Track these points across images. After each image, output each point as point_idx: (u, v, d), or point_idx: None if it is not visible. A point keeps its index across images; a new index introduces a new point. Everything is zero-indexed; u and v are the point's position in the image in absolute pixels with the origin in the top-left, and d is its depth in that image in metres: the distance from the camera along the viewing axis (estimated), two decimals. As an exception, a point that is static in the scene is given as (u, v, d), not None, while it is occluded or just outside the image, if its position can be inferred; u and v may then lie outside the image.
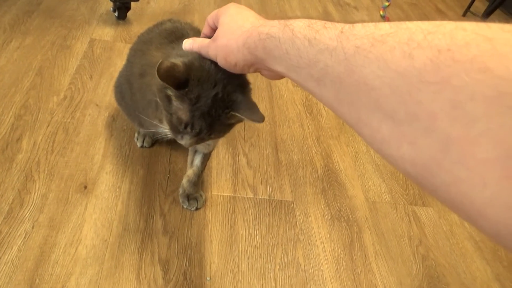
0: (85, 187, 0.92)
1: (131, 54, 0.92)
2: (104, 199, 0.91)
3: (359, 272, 0.89)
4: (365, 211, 1.03)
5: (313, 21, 0.37)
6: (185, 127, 0.61)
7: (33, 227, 0.82)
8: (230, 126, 0.66)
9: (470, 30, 0.24)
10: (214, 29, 0.56)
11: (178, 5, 1.72)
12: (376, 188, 1.10)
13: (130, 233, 0.86)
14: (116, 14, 1.49)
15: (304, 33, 0.36)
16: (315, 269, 0.88)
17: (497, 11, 2.15)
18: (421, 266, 0.93)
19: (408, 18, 2.09)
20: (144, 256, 0.83)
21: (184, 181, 0.92)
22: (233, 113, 0.59)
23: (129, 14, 1.51)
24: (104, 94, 1.16)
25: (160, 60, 0.55)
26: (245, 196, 1.00)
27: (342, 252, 0.92)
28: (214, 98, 0.58)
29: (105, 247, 0.82)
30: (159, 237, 0.87)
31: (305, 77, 0.37)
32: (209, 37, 0.57)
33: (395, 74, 0.27)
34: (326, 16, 1.92)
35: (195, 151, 0.92)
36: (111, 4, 1.49)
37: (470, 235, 1.03)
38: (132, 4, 1.50)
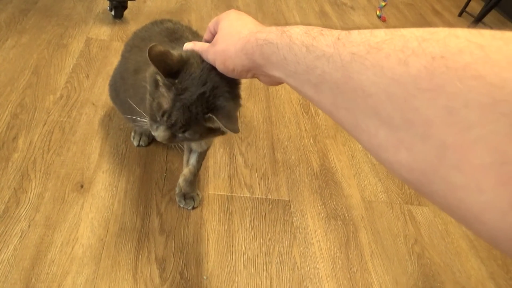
0: (82, 186, 0.92)
1: (126, 50, 0.92)
2: (100, 198, 0.91)
3: (355, 271, 0.90)
4: (361, 210, 1.03)
5: (310, 27, 0.37)
6: (163, 115, 0.60)
7: (29, 226, 0.82)
8: (206, 132, 0.64)
9: (463, 37, 0.24)
10: (214, 35, 0.56)
11: (175, 4, 1.72)
12: (372, 187, 1.10)
13: (126, 232, 0.86)
14: (113, 13, 1.48)
15: (302, 39, 0.36)
16: (311, 268, 0.89)
17: (493, 12, 2.16)
18: (416, 265, 0.94)
19: (404, 18, 2.10)
20: (140, 255, 0.83)
21: (181, 180, 0.92)
22: (211, 115, 0.59)
23: (125, 13, 1.51)
24: (100, 93, 1.16)
25: (154, 43, 0.56)
26: (241, 195, 1.00)
27: (338, 251, 0.93)
28: (200, 95, 0.58)
29: (101, 246, 0.82)
30: (156, 236, 0.87)
31: (303, 82, 0.37)
32: (210, 42, 0.58)
33: (390, 81, 0.27)
34: (323, 16, 1.92)
35: (191, 150, 0.92)
36: (108, 3, 1.48)
37: (465, 234, 1.03)
38: (129, 3, 1.50)
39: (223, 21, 0.53)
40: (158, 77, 0.60)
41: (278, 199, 1.01)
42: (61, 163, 0.95)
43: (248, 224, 0.94)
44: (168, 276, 0.81)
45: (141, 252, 0.83)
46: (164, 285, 0.79)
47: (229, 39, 0.49)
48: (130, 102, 0.82)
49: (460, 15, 2.26)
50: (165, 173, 1.01)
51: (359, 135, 0.33)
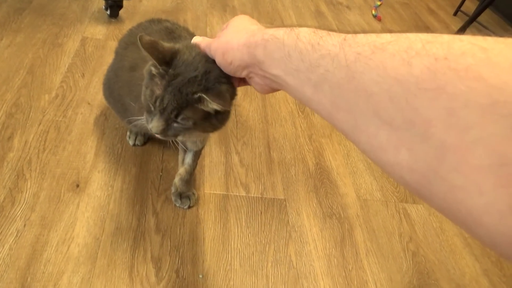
0: (77, 186, 0.92)
1: (121, 47, 0.92)
2: (96, 198, 0.91)
3: (350, 269, 0.90)
4: (357, 209, 1.04)
5: (318, 29, 0.38)
6: (155, 101, 0.60)
7: (24, 226, 0.82)
8: (201, 118, 0.63)
9: (467, 41, 0.25)
10: None
11: (170, 4, 1.72)
12: (367, 186, 1.11)
13: (122, 231, 0.86)
14: (108, 12, 1.48)
15: (309, 38, 0.37)
16: (307, 266, 0.89)
17: (487, 11, 2.17)
18: (411, 263, 0.95)
19: (400, 17, 2.11)
20: (136, 254, 0.83)
21: (176, 180, 0.92)
22: (201, 94, 0.58)
23: (121, 12, 1.51)
24: (96, 93, 1.16)
25: (142, 34, 0.57)
26: (237, 194, 1.00)
27: (333, 249, 0.93)
28: (192, 78, 0.58)
29: (97, 245, 0.82)
30: (152, 235, 0.87)
31: (302, 81, 0.37)
32: None
33: (393, 80, 0.27)
34: (319, 15, 1.93)
35: (186, 149, 0.93)
36: (103, 2, 1.48)
37: (460, 232, 1.04)
38: (124, 2, 1.49)
39: (234, 20, 0.53)
40: (153, 68, 0.60)
41: (273, 198, 1.02)
42: (56, 163, 0.95)
43: (244, 223, 0.94)
44: (164, 275, 0.81)
45: (137, 251, 0.83)
46: (160, 284, 0.79)
47: (235, 32, 0.49)
48: (128, 101, 0.82)
49: (455, 14, 2.27)
50: (161, 172, 1.01)
51: (358, 137, 0.32)
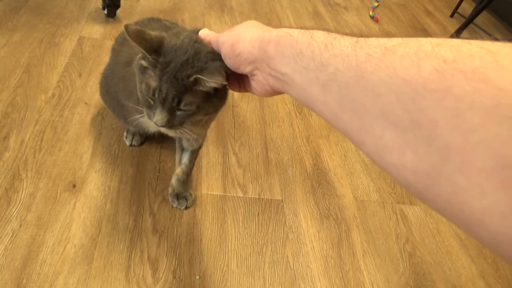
0: (74, 186, 0.91)
1: (118, 43, 0.91)
2: (93, 198, 0.90)
3: (347, 270, 0.91)
4: (354, 210, 1.04)
5: (331, 32, 0.38)
6: (153, 94, 0.59)
7: (20, 226, 0.81)
8: (203, 101, 0.62)
9: (475, 44, 0.25)
10: None
11: (168, 3, 1.71)
12: (364, 187, 1.11)
13: (119, 232, 0.86)
14: (106, 12, 1.47)
15: (322, 38, 0.37)
16: (304, 267, 0.89)
17: (484, 13, 2.18)
18: (407, 264, 0.95)
19: (397, 18, 2.11)
20: (133, 255, 0.82)
21: (173, 180, 0.92)
22: (196, 76, 0.57)
23: (118, 12, 1.51)
24: (93, 93, 1.15)
25: (127, 23, 0.57)
26: (234, 195, 1.00)
27: (330, 250, 0.94)
28: (184, 62, 0.58)
29: (93, 246, 0.82)
30: (149, 236, 0.87)
31: (310, 80, 0.37)
32: None
33: (402, 81, 0.28)
34: (316, 16, 1.93)
35: (183, 149, 0.92)
36: (100, 1, 1.47)
37: (456, 233, 1.05)
38: (122, 2, 1.49)
39: (246, 22, 0.53)
40: (143, 61, 0.60)
41: (271, 199, 1.02)
42: (53, 163, 0.94)
43: (241, 224, 0.94)
44: (161, 276, 0.81)
45: (133, 252, 0.83)
46: (156, 285, 0.79)
47: (249, 27, 0.49)
48: (123, 97, 0.81)
49: (452, 16, 2.28)
50: (158, 172, 1.00)
51: (362, 138, 0.33)
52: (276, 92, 0.49)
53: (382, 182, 1.13)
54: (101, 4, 1.48)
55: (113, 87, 0.90)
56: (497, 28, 2.32)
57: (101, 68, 1.23)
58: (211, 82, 0.57)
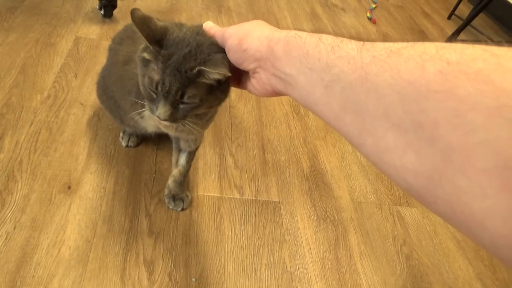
0: (69, 187, 0.90)
1: (115, 42, 0.91)
2: (88, 200, 0.89)
3: (344, 272, 0.90)
4: (351, 212, 1.04)
5: (339, 36, 0.39)
6: (156, 87, 0.58)
7: (14, 228, 0.80)
8: (206, 93, 0.61)
9: (479, 48, 0.25)
10: None
11: (165, 4, 1.71)
12: (361, 188, 1.11)
13: (114, 234, 0.85)
14: (102, 12, 1.47)
15: (330, 41, 0.38)
16: (300, 269, 0.89)
17: (481, 15, 2.19)
18: (405, 266, 0.95)
19: (394, 20, 2.11)
20: (128, 257, 0.82)
21: (170, 181, 0.92)
22: (199, 68, 0.56)
23: (115, 12, 1.50)
24: (89, 93, 1.15)
25: (135, 7, 0.56)
26: (231, 196, 1.00)
27: (327, 252, 0.93)
28: (186, 54, 0.57)
29: (89, 248, 0.81)
30: (144, 238, 0.86)
31: (314, 81, 0.38)
32: None
33: (406, 83, 0.28)
34: (314, 17, 1.93)
35: (180, 150, 0.92)
36: (97, 1, 1.47)
37: (453, 235, 1.04)
38: (119, 2, 1.48)
39: (254, 20, 0.53)
40: (145, 53, 0.59)
41: (268, 200, 1.01)
42: (48, 164, 0.94)
43: (237, 226, 0.94)
44: (157, 278, 0.80)
45: (129, 254, 0.82)
46: (152, 287, 0.78)
47: (258, 25, 0.50)
48: (119, 97, 0.81)
49: (449, 17, 2.28)
50: (154, 174, 1.00)
51: (364, 139, 0.33)
52: (275, 93, 0.48)
53: (379, 184, 1.13)
54: (97, 4, 1.47)
55: (110, 87, 0.89)
56: (494, 30, 2.33)
57: (98, 68, 1.22)
58: (215, 73, 0.56)
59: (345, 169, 1.16)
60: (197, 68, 0.56)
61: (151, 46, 0.57)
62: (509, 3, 2.24)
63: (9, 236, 0.79)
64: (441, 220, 1.07)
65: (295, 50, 0.41)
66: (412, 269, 0.94)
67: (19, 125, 1.00)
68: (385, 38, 1.91)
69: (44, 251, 0.78)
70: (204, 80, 0.58)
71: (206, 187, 1.00)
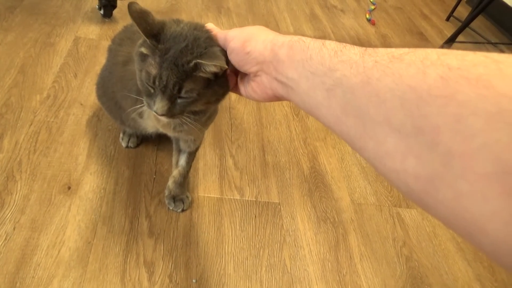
0: (69, 188, 0.90)
1: (115, 43, 0.90)
2: (88, 200, 0.89)
3: (345, 274, 0.90)
4: (351, 213, 1.04)
5: (343, 42, 0.39)
6: (154, 82, 0.58)
7: (14, 229, 0.80)
8: (204, 88, 0.60)
9: (480, 54, 0.26)
10: None
11: (165, 4, 1.71)
12: (361, 190, 1.11)
13: (114, 235, 0.85)
14: (102, 12, 1.46)
15: (333, 46, 0.38)
16: (301, 270, 0.88)
17: (480, 17, 2.20)
18: (404, 267, 0.95)
19: (393, 21, 2.12)
20: (129, 258, 0.82)
21: (170, 182, 0.91)
22: (196, 60, 0.56)
23: (115, 12, 1.50)
24: (89, 93, 1.14)
25: (133, 1, 0.57)
26: (231, 197, 1.00)
27: (328, 254, 0.93)
28: (183, 49, 0.57)
29: (89, 249, 0.81)
30: (145, 239, 0.86)
31: (316, 85, 0.38)
32: None
33: (407, 88, 0.28)
34: (313, 19, 1.93)
35: (180, 151, 0.92)
36: (97, 1, 1.46)
37: (452, 237, 1.05)
38: (118, 2, 1.48)
39: (256, 25, 0.53)
40: (143, 48, 0.59)
41: (268, 202, 1.01)
42: (47, 164, 0.93)
43: (238, 227, 0.94)
44: (157, 279, 0.80)
45: (129, 255, 0.82)
46: (152, 289, 0.78)
47: (261, 30, 0.50)
48: (120, 97, 0.80)
49: (447, 19, 2.29)
50: (154, 175, 0.99)
51: (364, 143, 0.33)
52: (276, 98, 0.48)
53: (379, 185, 1.13)
54: (97, 4, 1.47)
55: (110, 88, 0.89)
56: (492, 32, 2.34)
57: (97, 68, 1.22)
58: (211, 65, 0.56)
59: (345, 170, 1.16)
60: (193, 62, 0.56)
61: (148, 40, 0.57)
62: (507, 5, 2.25)
63: (9, 237, 0.78)
64: (440, 222, 1.07)
65: (298, 54, 0.41)
66: (412, 270, 0.94)
67: (18, 125, 1.00)
68: (384, 39, 1.91)
69: (43, 252, 0.78)
70: (201, 74, 0.58)
71: (206, 188, 1.00)
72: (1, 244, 0.77)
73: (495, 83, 0.23)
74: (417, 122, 0.27)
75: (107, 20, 1.48)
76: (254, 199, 1.01)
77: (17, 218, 0.82)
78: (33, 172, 0.91)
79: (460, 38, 1.99)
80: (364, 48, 0.35)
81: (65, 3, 1.50)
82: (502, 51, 0.26)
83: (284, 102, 1.34)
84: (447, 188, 0.25)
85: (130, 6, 0.56)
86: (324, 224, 0.99)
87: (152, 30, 0.57)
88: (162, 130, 0.79)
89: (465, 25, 1.96)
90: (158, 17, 0.90)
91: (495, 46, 2.13)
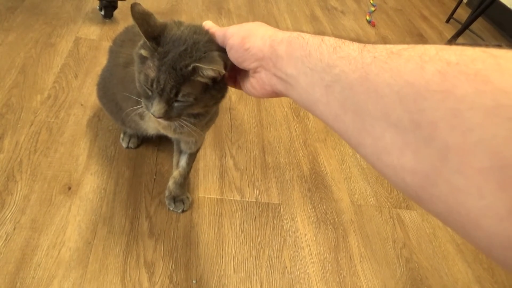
0: (69, 188, 0.90)
1: (116, 44, 0.91)
2: (88, 201, 0.89)
3: (345, 275, 0.90)
4: (351, 214, 1.04)
5: (341, 38, 0.40)
6: (151, 85, 0.58)
7: (14, 229, 0.80)
8: (201, 93, 0.61)
9: (479, 49, 0.26)
10: None
11: (165, 5, 1.71)
12: (361, 191, 1.11)
13: (115, 235, 0.85)
14: (103, 12, 1.46)
15: (332, 42, 0.38)
16: (301, 271, 0.89)
17: (480, 19, 2.20)
18: (404, 269, 0.95)
19: (393, 23, 2.12)
20: (129, 259, 0.82)
21: (170, 183, 0.91)
22: (194, 64, 0.56)
23: (115, 13, 1.50)
24: (89, 94, 1.14)
25: (136, 2, 0.57)
26: (232, 198, 1.00)
27: (328, 255, 0.93)
28: (182, 52, 0.57)
29: (89, 249, 0.81)
30: (145, 240, 0.86)
31: (315, 81, 0.38)
32: None
33: (405, 83, 0.28)
34: (314, 20, 1.93)
35: (180, 151, 0.92)
36: (97, 2, 1.46)
37: (452, 238, 1.05)
38: (119, 3, 1.48)
39: (255, 22, 0.53)
40: (142, 50, 0.59)
41: (268, 203, 1.01)
42: (48, 165, 0.93)
43: (238, 228, 0.94)
44: (157, 280, 0.80)
45: (129, 256, 0.82)
46: (153, 290, 0.78)
47: (260, 26, 0.50)
48: (121, 98, 0.81)
49: (447, 21, 2.29)
50: (155, 175, 1.00)
51: (362, 139, 0.33)
52: (275, 94, 0.49)
53: (379, 187, 1.13)
54: (98, 5, 1.47)
55: (111, 89, 0.89)
56: (492, 34, 2.34)
57: (98, 69, 1.22)
58: (209, 69, 0.56)
59: (345, 171, 1.16)
60: (191, 65, 0.56)
61: (148, 42, 0.57)
62: (507, 7, 2.25)
63: (9, 237, 0.78)
64: (440, 223, 1.08)
65: (297, 50, 0.41)
66: (411, 272, 0.95)
67: (19, 125, 1.00)
68: (384, 41, 1.92)
69: (44, 252, 0.78)
70: (199, 79, 0.58)
71: (207, 189, 1.00)
72: (2, 245, 0.77)
73: (493, 78, 0.23)
74: (414, 117, 0.27)
75: (107, 21, 1.48)
76: (254, 200, 1.01)
77: (17, 218, 0.82)
78: (34, 173, 0.91)
79: (460, 40, 2.00)
80: (363, 44, 0.35)
81: (66, 4, 1.50)
82: None
83: (285, 103, 1.34)
84: (443, 183, 0.26)
85: (133, 7, 0.56)
86: (324, 225, 1.00)
87: (153, 32, 0.58)
88: (163, 131, 0.79)
89: (465, 27, 1.97)
90: (158, 18, 0.91)
91: (495, 48, 2.13)
